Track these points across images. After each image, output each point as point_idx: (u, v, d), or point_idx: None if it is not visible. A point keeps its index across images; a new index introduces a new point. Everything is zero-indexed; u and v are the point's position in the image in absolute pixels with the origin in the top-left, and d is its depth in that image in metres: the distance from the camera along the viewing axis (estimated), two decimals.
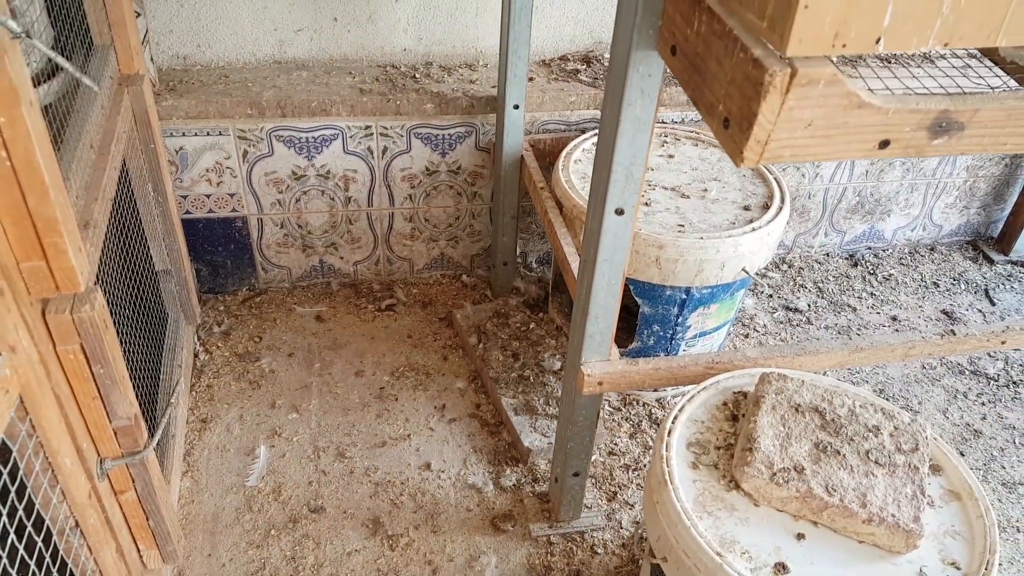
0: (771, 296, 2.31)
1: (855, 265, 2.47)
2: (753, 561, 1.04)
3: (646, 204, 1.70)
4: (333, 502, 1.64)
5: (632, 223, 1.15)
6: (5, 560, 0.82)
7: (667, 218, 1.66)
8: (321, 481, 1.68)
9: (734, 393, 1.30)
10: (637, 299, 1.72)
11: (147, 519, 1.29)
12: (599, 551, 1.57)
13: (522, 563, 1.54)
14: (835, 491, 1.08)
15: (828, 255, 2.49)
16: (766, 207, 1.71)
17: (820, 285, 2.38)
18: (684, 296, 1.69)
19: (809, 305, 2.30)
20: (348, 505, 1.64)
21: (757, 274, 1.68)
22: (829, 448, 1.14)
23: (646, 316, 1.75)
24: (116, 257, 1.36)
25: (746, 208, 1.71)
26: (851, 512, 1.06)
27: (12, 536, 0.85)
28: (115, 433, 1.14)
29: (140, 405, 1.22)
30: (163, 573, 1.42)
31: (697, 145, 1.91)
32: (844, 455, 1.13)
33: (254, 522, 1.60)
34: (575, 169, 1.78)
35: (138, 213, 1.60)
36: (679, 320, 1.75)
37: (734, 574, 1.01)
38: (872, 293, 2.37)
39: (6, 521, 0.82)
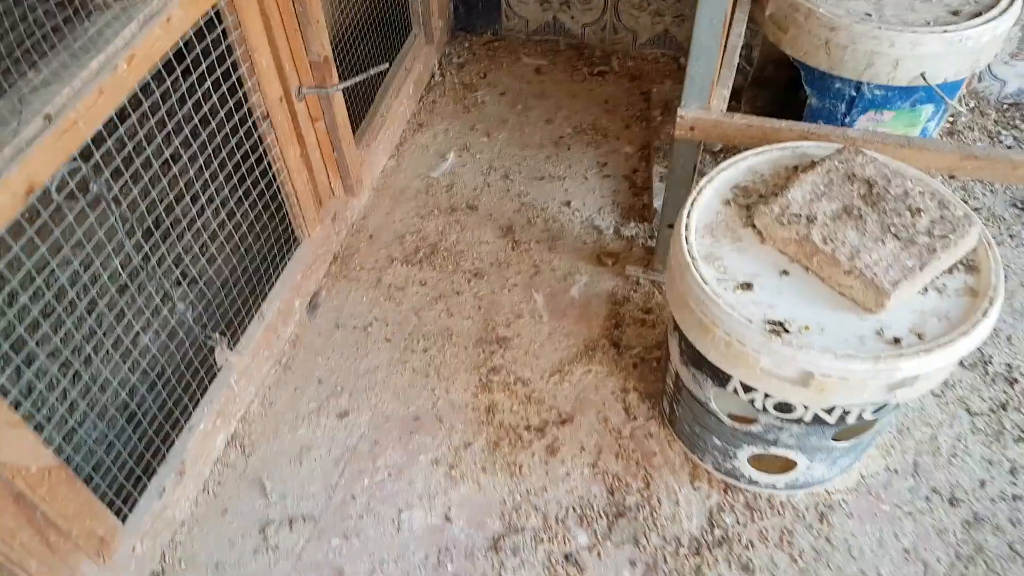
0: (974, 131, 2.01)
1: None
2: (725, 276, 1.15)
3: None
4: (486, 206, 1.98)
5: None
6: (228, 127, 1.27)
7: (858, 6, 1.58)
8: (483, 190, 2.02)
9: (813, 160, 1.31)
10: (806, 87, 1.70)
11: (332, 150, 1.73)
12: None
13: (607, 290, 1.76)
14: (831, 242, 1.12)
15: None
16: (978, 15, 1.53)
17: None
18: (854, 93, 1.63)
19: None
20: (495, 212, 1.96)
21: (959, 102, 1.54)
22: (855, 212, 1.16)
23: (813, 108, 1.72)
24: None
25: (955, 13, 1.55)
26: (836, 262, 1.10)
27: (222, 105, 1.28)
28: (311, 66, 1.55)
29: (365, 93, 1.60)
30: (350, 204, 1.89)
31: None
32: (866, 221, 1.14)
33: (426, 202, 2.00)
34: None
35: None
36: (846, 120, 1.69)
37: (697, 276, 1.14)
38: None
39: (210, 88, 1.25)
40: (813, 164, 1.24)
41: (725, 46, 1.59)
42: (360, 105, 2.00)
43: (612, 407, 1.56)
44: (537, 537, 1.39)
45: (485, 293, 1.78)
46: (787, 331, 1.07)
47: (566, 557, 1.36)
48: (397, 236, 1.91)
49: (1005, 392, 1.54)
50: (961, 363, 1.58)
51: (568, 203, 1.97)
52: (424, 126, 2.22)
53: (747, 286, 1.14)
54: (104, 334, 1.25)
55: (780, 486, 1.38)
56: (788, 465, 1.32)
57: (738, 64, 2.24)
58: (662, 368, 1.56)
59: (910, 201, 1.16)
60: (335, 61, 1.60)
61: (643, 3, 2.22)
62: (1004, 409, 1.51)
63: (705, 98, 1.40)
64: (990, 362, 1.58)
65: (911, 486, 1.42)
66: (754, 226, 1.21)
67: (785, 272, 1.15)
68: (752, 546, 1.36)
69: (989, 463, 1.45)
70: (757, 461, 1.35)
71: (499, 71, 2.37)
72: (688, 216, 1.23)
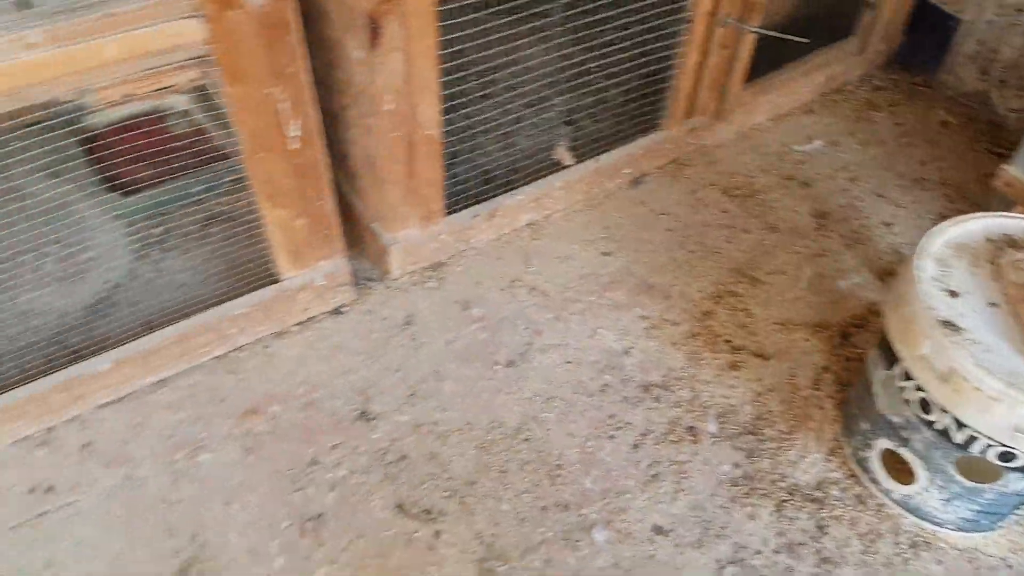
0: None
1: None
2: (942, 277, 1.31)
3: None
4: (817, 190, 2.19)
5: None
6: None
7: None
8: (825, 179, 2.22)
9: None
10: None
11: (724, 77, 2.09)
12: None
13: (871, 299, 1.91)
14: None
15: None
16: None
17: None
18: None
19: None
20: (821, 197, 2.17)
21: None
22: None
23: None
24: None
25: None
26: None
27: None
28: (742, 3, 1.91)
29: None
30: (712, 128, 2.24)
31: None
32: None
33: (772, 162, 2.26)
34: None
35: None
36: None
37: (917, 261, 1.31)
38: None
39: None
40: None
41: None
42: (767, 67, 2.31)
43: (805, 372, 1.75)
44: (671, 405, 1.68)
45: (768, 244, 2.03)
46: (955, 332, 1.21)
47: (690, 428, 1.64)
48: (730, 171, 2.23)
49: None
50: None
51: (889, 224, 2.11)
52: (812, 113, 2.46)
53: (953, 294, 1.29)
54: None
55: (896, 496, 1.49)
56: (909, 478, 1.43)
57: None
58: None
59: None
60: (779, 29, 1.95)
61: None
62: None
63: None
64: None
65: None
66: (994, 263, 1.33)
67: (994, 304, 1.27)
68: (837, 520, 1.50)
69: None
70: (887, 462, 1.48)
71: (908, 108, 2.49)
72: (951, 226, 1.38)
